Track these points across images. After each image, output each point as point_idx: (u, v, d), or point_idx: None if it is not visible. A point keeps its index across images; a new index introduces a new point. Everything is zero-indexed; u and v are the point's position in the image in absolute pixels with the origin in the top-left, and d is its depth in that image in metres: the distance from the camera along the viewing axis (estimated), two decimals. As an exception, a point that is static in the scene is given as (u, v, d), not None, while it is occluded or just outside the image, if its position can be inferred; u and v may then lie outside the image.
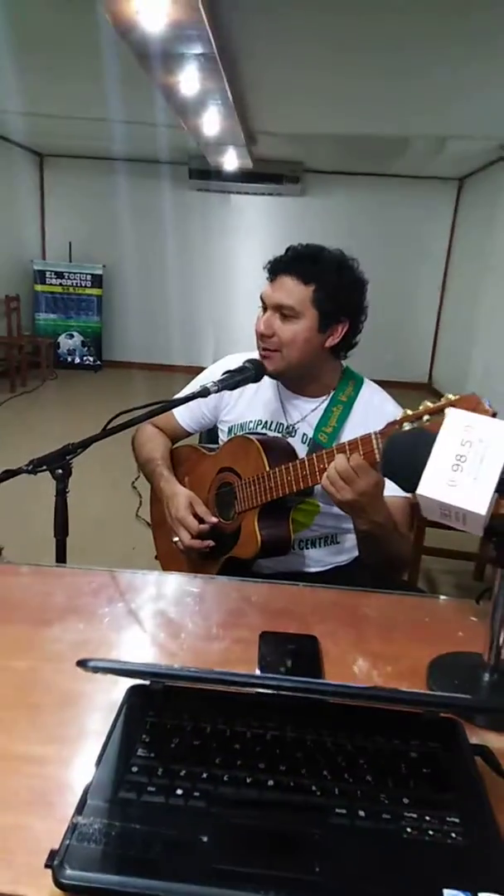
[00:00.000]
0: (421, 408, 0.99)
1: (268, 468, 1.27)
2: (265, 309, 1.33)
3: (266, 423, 1.43)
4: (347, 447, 1.11)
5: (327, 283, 1.27)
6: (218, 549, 1.39)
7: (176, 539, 1.39)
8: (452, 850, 0.58)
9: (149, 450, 1.54)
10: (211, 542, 1.37)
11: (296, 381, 1.39)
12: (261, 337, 1.32)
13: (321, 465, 1.16)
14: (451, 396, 0.96)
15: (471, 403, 0.92)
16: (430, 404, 0.98)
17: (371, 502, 1.11)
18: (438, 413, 0.96)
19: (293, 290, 1.27)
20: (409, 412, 1.01)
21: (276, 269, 1.31)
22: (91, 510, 3.22)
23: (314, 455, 1.18)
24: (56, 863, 0.55)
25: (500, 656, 0.83)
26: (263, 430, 1.42)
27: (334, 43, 3.49)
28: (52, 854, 0.55)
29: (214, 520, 1.37)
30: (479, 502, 0.72)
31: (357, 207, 7.36)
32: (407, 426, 1.00)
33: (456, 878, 0.55)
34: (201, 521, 1.36)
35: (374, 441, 1.07)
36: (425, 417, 0.98)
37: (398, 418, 1.02)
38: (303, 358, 1.31)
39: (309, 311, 1.28)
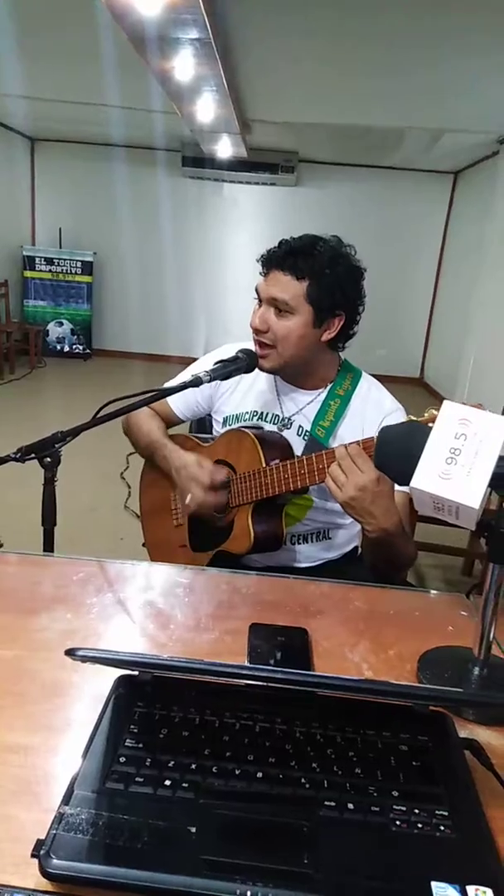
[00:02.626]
0: (426, 415, 0.98)
1: (264, 464, 1.26)
2: (260, 303, 1.31)
3: (262, 414, 1.42)
4: (347, 450, 1.10)
5: (321, 278, 1.25)
6: (209, 541, 1.38)
7: (188, 498, 1.36)
8: (441, 842, 0.58)
9: (148, 429, 1.51)
10: (224, 499, 1.35)
11: (292, 374, 1.38)
12: (256, 331, 1.30)
13: (320, 465, 1.15)
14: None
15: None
16: (435, 412, 0.97)
17: (375, 501, 1.08)
18: None
19: (287, 286, 1.25)
20: (414, 418, 1.00)
21: (270, 263, 1.29)
22: (79, 500, 3.20)
23: (313, 455, 1.17)
24: (42, 852, 0.54)
25: (489, 651, 0.83)
26: (259, 422, 1.41)
27: (331, 32, 3.46)
28: (39, 844, 0.55)
29: (224, 473, 1.34)
30: (472, 496, 0.72)
31: (351, 199, 7.33)
32: None
33: (444, 870, 0.55)
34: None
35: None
36: (430, 426, 0.97)
37: (403, 423, 1.01)
38: (298, 353, 1.30)
39: (303, 307, 1.26)
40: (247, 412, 1.43)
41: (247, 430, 1.34)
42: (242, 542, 1.29)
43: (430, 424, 0.97)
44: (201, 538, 1.42)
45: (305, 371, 1.37)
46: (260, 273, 1.32)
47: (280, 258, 1.27)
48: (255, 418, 1.42)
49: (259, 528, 1.28)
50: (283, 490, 1.22)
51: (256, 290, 1.32)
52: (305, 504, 1.37)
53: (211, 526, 1.39)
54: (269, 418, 1.41)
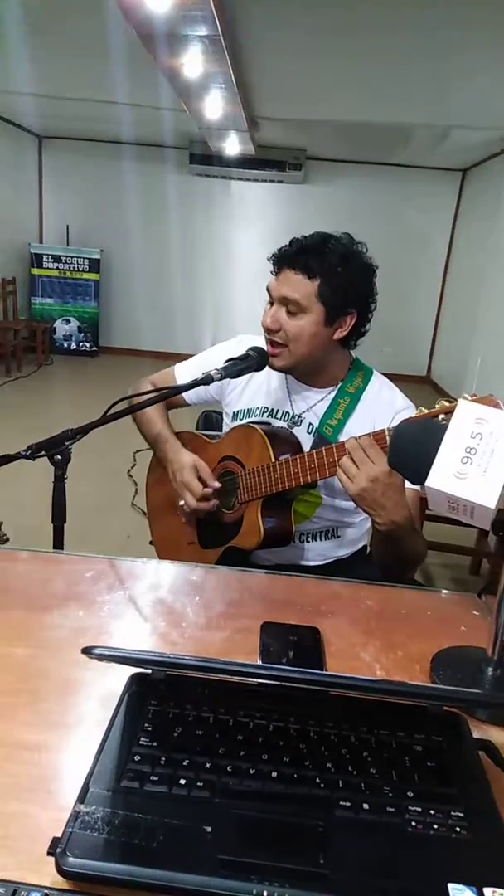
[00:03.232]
0: (437, 406, 0.98)
1: (273, 459, 1.26)
2: (272, 302, 1.31)
3: (272, 411, 1.42)
4: (359, 440, 1.09)
5: (332, 276, 1.24)
6: (218, 538, 1.38)
7: (182, 503, 1.39)
8: (457, 844, 0.58)
9: (153, 419, 1.52)
10: (215, 502, 1.37)
11: (304, 372, 1.38)
12: (268, 331, 1.30)
13: (330, 459, 1.15)
14: (467, 396, 0.95)
15: (489, 404, 0.91)
16: (446, 403, 0.97)
17: (386, 493, 1.08)
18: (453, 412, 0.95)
19: (298, 285, 1.25)
20: (425, 410, 1.00)
21: (281, 262, 1.28)
22: (87, 497, 3.21)
23: (322, 448, 1.17)
24: (59, 851, 0.54)
25: (503, 650, 0.83)
26: (269, 419, 1.41)
27: (339, 30, 3.44)
28: (55, 842, 0.55)
29: (217, 484, 1.36)
30: (488, 496, 0.72)
31: (359, 197, 7.30)
32: None
33: (461, 872, 0.55)
34: (206, 485, 1.36)
35: (388, 438, 1.05)
36: (441, 417, 0.97)
37: (413, 416, 1.01)
38: (310, 352, 1.30)
39: (315, 306, 1.25)
40: (257, 408, 1.43)
41: (255, 426, 1.34)
42: (251, 537, 1.29)
43: (442, 416, 0.97)
44: (210, 535, 1.42)
45: (316, 369, 1.36)
46: (271, 272, 1.31)
47: (291, 257, 1.26)
48: (266, 415, 1.42)
49: (268, 523, 1.28)
50: (292, 484, 1.22)
51: (268, 289, 1.31)
52: (314, 501, 1.36)
53: (220, 522, 1.39)
54: (279, 415, 1.41)
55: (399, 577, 1.28)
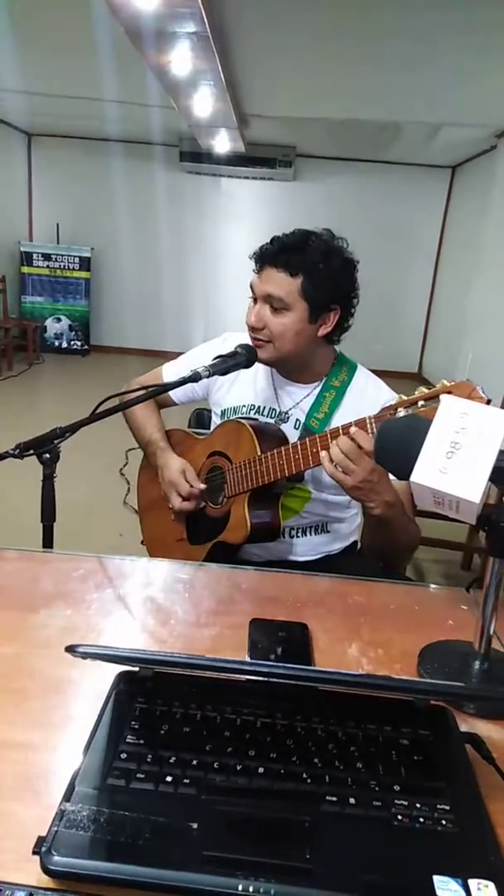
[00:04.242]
0: (416, 393, 0.99)
1: (259, 453, 1.26)
2: (255, 299, 1.31)
3: (259, 408, 1.42)
4: (341, 431, 1.10)
5: (315, 273, 1.24)
6: (206, 533, 1.39)
7: (170, 505, 1.43)
8: (443, 836, 0.58)
9: (144, 423, 1.54)
10: (200, 504, 1.40)
11: (289, 368, 1.38)
12: (252, 329, 1.30)
13: (314, 449, 1.15)
14: (446, 382, 0.96)
15: (466, 390, 0.92)
16: (425, 390, 0.98)
17: (381, 481, 1.10)
18: (434, 399, 0.96)
19: (281, 283, 1.25)
20: (405, 397, 1.01)
21: (263, 260, 1.28)
22: (78, 496, 3.20)
23: (307, 439, 1.17)
24: (44, 849, 0.54)
25: (490, 645, 0.83)
26: (256, 416, 1.42)
27: (328, 27, 3.44)
28: (40, 841, 0.55)
29: (202, 486, 1.40)
30: (472, 490, 0.72)
31: (349, 194, 7.30)
32: (402, 412, 1.00)
33: (446, 864, 0.55)
34: (192, 486, 1.40)
35: (370, 425, 1.06)
36: (420, 403, 0.98)
37: (394, 403, 1.01)
38: (295, 349, 1.30)
39: (298, 303, 1.25)
40: (244, 406, 1.44)
41: (242, 421, 1.35)
42: (239, 532, 1.29)
43: (421, 403, 0.97)
44: (199, 531, 1.43)
45: (301, 365, 1.37)
46: (253, 270, 1.31)
47: (273, 255, 1.26)
48: (253, 412, 1.42)
49: (255, 517, 1.28)
50: (278, 476, 1.22)
51: (251, 287, 1.31)
52: (303, 496, 1.37)
53: (208, 518, 1.40)
54: (266, 412, 1.41)
55: (396, 564, 1.29)
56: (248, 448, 1.29)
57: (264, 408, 1.42)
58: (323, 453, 1.11)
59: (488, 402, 0.92)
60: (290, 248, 1.25)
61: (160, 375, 1.56)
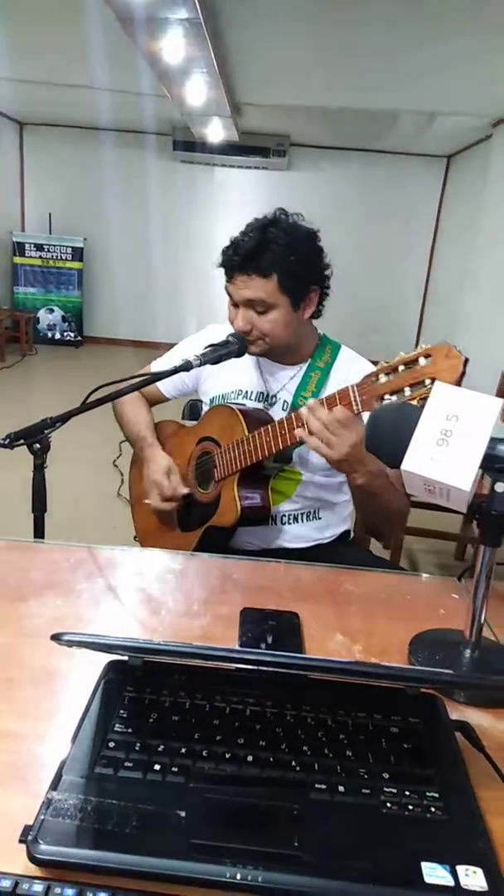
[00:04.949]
0: (396, 358, 1.00)
1: (246, 433, 1.27)
2: (235, 304, 1.31)
3: (247, 393, 1.43)
4: (325, 402, 1.10)
5: (287, 267, 1.24)
6: (198, 520, 1.38)
7: (147, 501, 1.43)
8: (431, 823, 0.58)
9: (134, 419, 1.54)
10: (176, 504, 1.40)
11: (276, 352, 1.39)
12: (241, 332, 1.30)
13: (299, 423, 1.16)
14: (424, 346, 0.96)
15: (443, 351, 0.95)
16: (404, 354, 0.98)
17: (362, 452, 1.09)
18: (414, 363, 0.98)
19: (257, 287, 1.25)
20: (386, 362, 1.02)
21: (232, 270, 1.28)
22: (72, 487, 3.19)
23: (292, 414, 1.19)
24: (30, 838, 0.54)
25: (480, 633, 0.83)
26: (244, 401, 1.42)
27: (322, 14, 3.41)
28: (27, 829, 0.54)
29: (184, 490, 1.40)
30: (463, 478, 0.71)
31: (344, 183, 7.27)
32: (383, 378, 1.02)
33: (434, 851, 0.55)
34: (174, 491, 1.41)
35: (352, 393, 1.07)
36: (400, 368, 0.99)
37: (375, 370, 1.03)
38: (286, 338, 1.32)
39: (280, 299, 1.26)
40: (233, 392, 1.45)
41: (229, 405, 1.36)
42: (229, 514, 1.29)
43: (402, 367, 0.99)
44: (190, 518, 1.43)
45: (288, 349, 1.38)
46: (226, 277, 1.30)
47: (240, 263, 1.25)
48: (241, 397, 1.43)
49: (245, 499, 1.28)
50: (265, 453, 1.23)
51: (227, 292, 1.31)
52: (294, 478, 1.38)
53: (198, 505, 1.40)
54: (254, 396, 1.42)
55: (389, 534, 1.29)
56: (237, 430, 1.30)
57: (252, 392, 1.43)
58: (298, 430, 1.12)
59: (466, 361, 0.94)
60: (255, 251, 1.24)
61: (153, 385, 1.55)
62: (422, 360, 0.97)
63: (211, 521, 1.34)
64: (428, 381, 0.96)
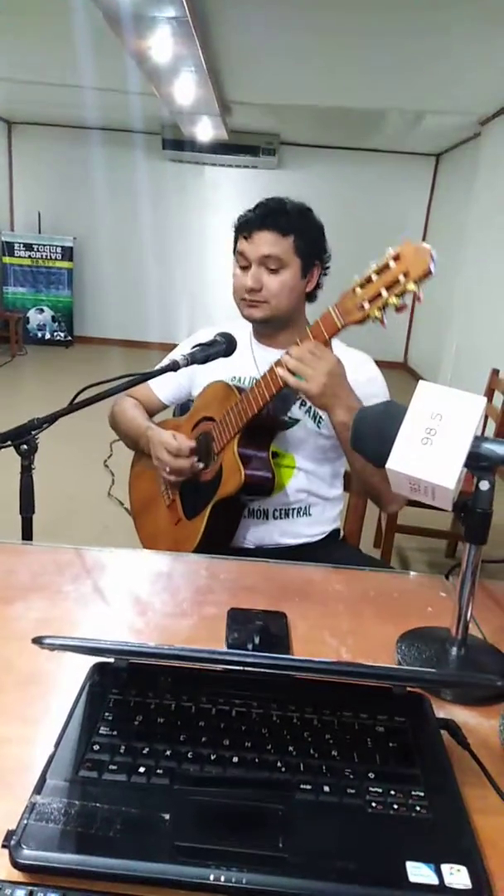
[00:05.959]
0: (368, 270, 1.06)
1: (239, 396, 1.30)
2: (245, 266, 1.35)
3: (239, 378, 1.44)
4: (310, 332, 1.17)
5: (302, 230, 1.33)
6: (203, 500, 1.37)
7: (165, 470, 1.40)
8: (416, 822, 0.58)
9: (132, 416, 1.52)
10: (195, 459, 1.38)
11: (274, 326, 1.42)
12: (249, 291, 1.34)
13: (281, 370, 1.19)
14: (391, 250, 1.03)
15: (409, 248, 1.01)
16: (373, 264, 1.05)
17: (341, 383, 1.17)
18: (385, 269, 1.03)
19: (275, 243, 1.31)
20: (358, 277, 1.07)
21: (251, 226, 1.33)
22: (62, 488, 3.18)
23: (273, 364, 1.21)
24: (13, 843, 0.53)
25: (467, 630, 0.83)
26: (237, 384, 1.42)
27: (311, 12, 3.41)
28: (9, 834, 0.54)
29: (191, 443, 1.38)
30: (447, 476, 0.71)
31: (333, 182, 7.27)
32: (359, 291, 1.07)
33: (419, 850, 0.55)
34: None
35: (333, 313, 1.13)
36: (374, 277, 1.05)
37: (352, 288, 1.08)
38: (288, 304, 1.36)
39: (293, 260, 1.33)
40: (227, 378, 1.44)
41: (220, 380, 1.39)
42: (233, 481, 1.28)
43: (374, 276, 1.05)
44: (196, 502, 1.41)
45: (284, 323, 1.40)
46: (243, 236, 1.35)
47: (262, 218, 1.33)
48: (234, 382, 1.43)
49: (247, 461, 1.29)
50: (259, 404, 1.24)
51: (241, 253, 1.35)
52: (288, 465, 1.39)
53: (202, 485, 1.39)
54: (246, 382, 1.43)
55: (388, 492, 1.28)
56: (227, 397, 1.33)
57: (245, 378, 1.44)
58: (277, 369, 1.18)
59: (428, 272, 0.99)
60: (276, 210, 1.33)
61: (148, 387, 1.55)
62: (392, 264, 1.03)
63: (217, 494, 1.33)
64: (402, 278, 1.01)
